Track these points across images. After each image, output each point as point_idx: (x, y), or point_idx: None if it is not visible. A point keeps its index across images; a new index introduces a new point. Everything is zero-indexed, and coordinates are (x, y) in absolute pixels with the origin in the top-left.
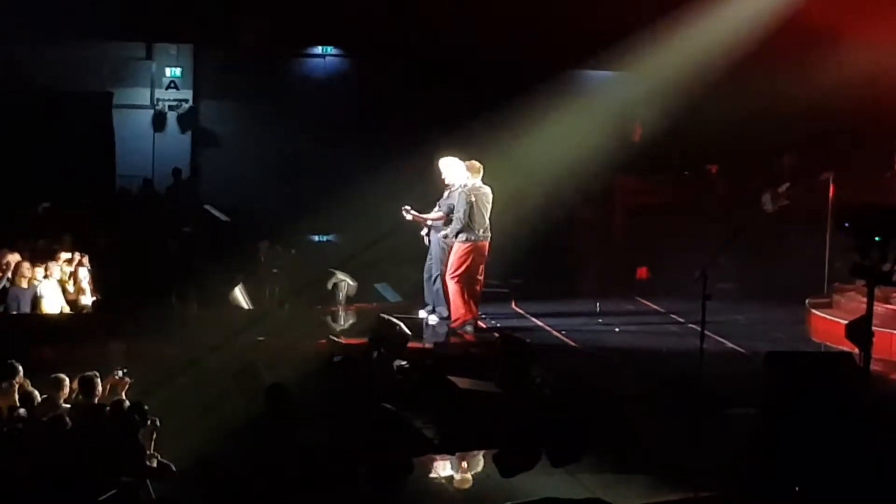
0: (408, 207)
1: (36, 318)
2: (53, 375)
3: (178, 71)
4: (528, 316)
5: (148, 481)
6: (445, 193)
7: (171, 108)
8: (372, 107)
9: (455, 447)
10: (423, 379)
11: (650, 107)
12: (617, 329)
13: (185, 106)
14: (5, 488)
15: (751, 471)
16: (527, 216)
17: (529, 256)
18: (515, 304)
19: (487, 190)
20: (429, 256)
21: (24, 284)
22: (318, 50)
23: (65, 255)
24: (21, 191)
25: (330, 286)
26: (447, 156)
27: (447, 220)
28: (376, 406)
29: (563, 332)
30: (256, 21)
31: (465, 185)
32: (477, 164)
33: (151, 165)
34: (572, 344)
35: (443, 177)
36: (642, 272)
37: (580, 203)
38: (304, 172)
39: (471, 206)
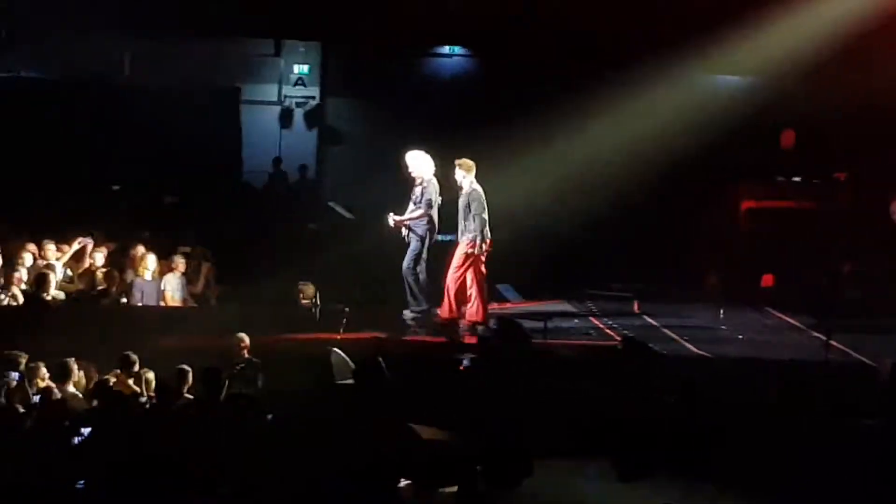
0: (392, 214)
1: (160, 310)
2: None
3: (305, 68)
4: (650, 320)
5: None
6: (418, 190)
7: (298, 104)
8: (497, 107)
9: None
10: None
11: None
12: (741, 336)
13: (312, 103)
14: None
15: (875, 483)
16: (650, 220)
17: (652, 261)
18: (638, 308)
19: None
20: (409, 256)
21: (149, 276)
22: (446, 49)
23: (186, 249)
24: (148, 184)
25: None
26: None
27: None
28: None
29: (686, 338)
30: (384, 19)
31: (470, 185)
32: (471, 162)
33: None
34: (695, 350)
35: (409, 171)
36: (767, 279)
37: (704, 207)
38: None
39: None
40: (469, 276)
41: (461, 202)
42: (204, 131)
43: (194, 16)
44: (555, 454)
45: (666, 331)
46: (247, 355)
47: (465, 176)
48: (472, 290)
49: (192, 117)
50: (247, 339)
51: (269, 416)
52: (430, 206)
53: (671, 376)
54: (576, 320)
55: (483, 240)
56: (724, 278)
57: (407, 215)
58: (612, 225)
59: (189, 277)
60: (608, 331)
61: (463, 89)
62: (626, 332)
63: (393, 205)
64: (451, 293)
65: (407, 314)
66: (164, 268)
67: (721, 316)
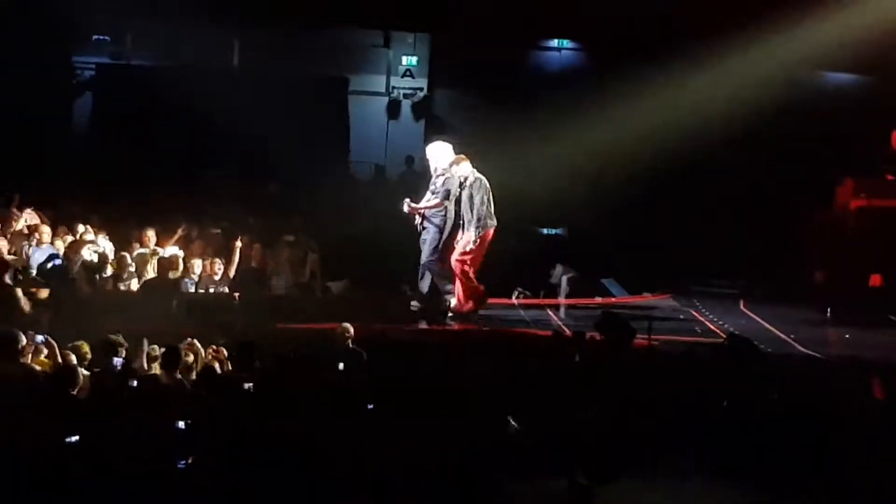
0: (408, 200)
1: (265, 298)
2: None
3: (414, 59)
4: (756, 318)
5: None
6: (440, 180)
7: (405, 96)
8: (605, 100)
9: None
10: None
11: None
12: (847, 336)
13: (420, 95)
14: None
15: None
16: (756, 215)
17: (759, 258)
18: (744, 305)
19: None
20: (426, 248)
21: (254, 264)
22: (554, 43)
23: (290, 238)
24: (254, 170)
25: (554, 279)
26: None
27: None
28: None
29: (792, 337)
30: (493, 12)
31: (471, 174)
32: (463, 155)
33: (384, 152)
34: (801, 349)
35: (431, 162)
36: (876, 279)
37: (812, 204)
38: (534, 164)
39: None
40: (464, 266)
41: (465, 194)
42: (311, 121)
43: (303, 5)
44: (656, 450)
45: (772, 329)
46: (351, 346)
47: (461, 170)
48: (463, 281)
49: (300, 107)
50: (351, 330)
51: (370, 406)
52: (446, 197)
53: (776, 375)
54: (681, 316)
55: (479, 234)
56: (831, 277)
57: (423, 204)
58: (718, 220)
59: (294, 267)
60: (714, 328)
61: (571, 83)
62: (731, 329)
63: (501, 195)
64: (462, 284)
65: (415, 304)
66: (269, 256)
67: (828, 315)
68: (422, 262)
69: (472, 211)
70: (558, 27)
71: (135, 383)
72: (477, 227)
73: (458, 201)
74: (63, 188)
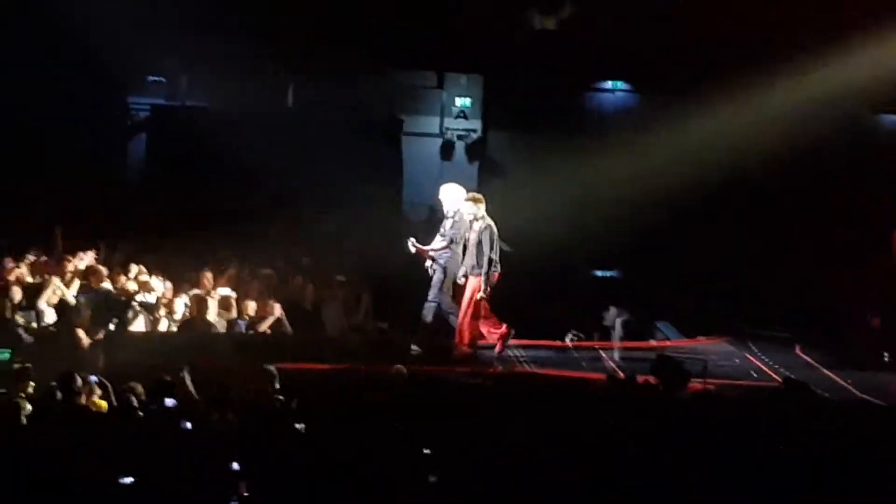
0: (412, 240)
1: (319, 338)
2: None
3: (467, 101)
4: (812, 362)
5: None
6: (449, 223)
7: (459, 137)
8: (660, 143)
9: None
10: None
11: None
12: None
13: (474, 136)
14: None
15: None
16: (812, 259)
17: (815, 301)
18: (800, 350)
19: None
20: (434, 289)
21: (308, 306)
22: (608, 84)
23: (342, 278)
24: (308, 211)
25: (608, 322)
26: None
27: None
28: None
29: (849, 381)
30: (547, 54)
31: (481, 218)
32: (480, 195)
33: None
34: (858, 394)
35: (442, 205)
36: None
37: (869, 249)
38: (587, 206)
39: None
40: (472, 309)
41: (472, 238)
42: (365, 162)
43: (357, 47)
44: (711, 494)
45: (828, 373)
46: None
47: (476, 210)
48: (465, 320)
49: (354, 148)
50: (405, 371)
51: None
52: (454, 240)
53: (833, 420)
54: (736, 360)
55: (488, 282)
56: (888, 322)
57: (430, 245)
58: (773, 264)
59: (347, 307)
60: (769, 371)
61: (625, 124)
62: (787, 373)
63: (556, 237)
64: (465, 328)
65: (414, 347)
66: (324, 295)
67: (886, 360)
68: (426, 303)
69: (479, 256)
70: (613, 68)
71: (188, 425)
72: (487, 274)
73: (465, 243)
74: (118, 229)
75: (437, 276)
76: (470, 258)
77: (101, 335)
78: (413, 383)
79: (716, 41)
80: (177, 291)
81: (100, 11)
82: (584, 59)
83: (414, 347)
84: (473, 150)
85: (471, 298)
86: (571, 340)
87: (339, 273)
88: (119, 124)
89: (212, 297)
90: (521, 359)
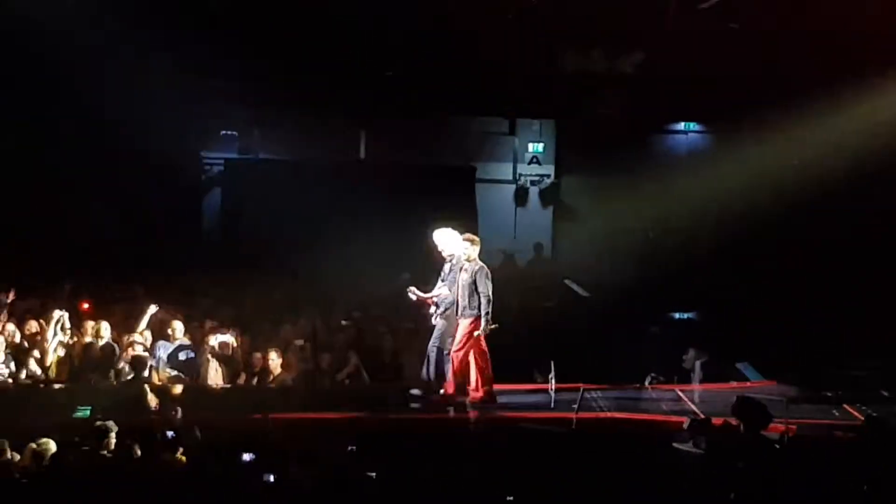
0: (412, 289)
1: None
2: None
3: (540, 146)
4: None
5: None
6: (447, 267)
7: (533, 182)
8: (732, 182)
9: None
10: None
11: None
12: None
13: (547, 181)
14: None
15: None
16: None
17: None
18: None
19: None
20: (437, 333)
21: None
22: (681, 126)
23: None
24: (382, 263)
25: (687, 364)
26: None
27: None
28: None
29: None
30: (618, 97)
31: (475, 261)
32: (477, 237)
33: (513, 239)
34: None
35: (440, 249)
36: None
37: None
38: (663, 247)
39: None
40: (471, 354)
41: (464, 279)
42: (439, 210)
43: (429, 96)
44: None
45: None
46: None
47: (472, 251)
48: (473, 369)
49: (428, 197)
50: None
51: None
52: (453, 284)
53: None
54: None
55: (488, 321)
56: None
57: (431, 293)
58: (853, 301)
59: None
60: (852, 410)
61: (699, 166)
62: (869, 412)
63: (631, 280)
64: (455, 371)
65: (415, 391)
66: (401, 345)
67: None
68: (428, 348)
69: (472, 297)
70: (684, 109)
71: (271, 478)
72: (486, 315)
73: (458, 285)
74: (194, 283)
75: (440, 322)
76: (462, 300)
77: (178, 389)
78: (488, 430)
79: (786, 76)
80: (254, 345)
81: (172, 67)
82: (655, 101)
83: (414, 391)
84: (547, 195)
85: (464, 341)
86: (651, 383)
87: (410, 322)
88: (193, 180)
89: (290, 350)
90: (599, 401)
